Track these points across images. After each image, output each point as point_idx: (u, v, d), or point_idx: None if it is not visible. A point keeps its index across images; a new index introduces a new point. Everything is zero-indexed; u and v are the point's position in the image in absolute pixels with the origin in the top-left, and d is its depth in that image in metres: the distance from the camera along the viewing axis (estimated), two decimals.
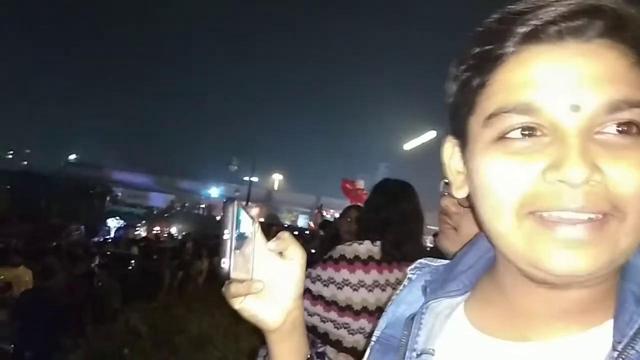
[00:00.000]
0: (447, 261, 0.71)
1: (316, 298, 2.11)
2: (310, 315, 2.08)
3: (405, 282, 0.73)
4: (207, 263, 11.50)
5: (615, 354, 0.46)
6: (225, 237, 0.62)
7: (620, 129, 0.47)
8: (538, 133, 0.48)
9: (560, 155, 0.46)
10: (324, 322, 2.09)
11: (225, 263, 0.62)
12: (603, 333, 0.49)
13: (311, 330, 2.10)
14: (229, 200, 0.66)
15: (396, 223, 2.16)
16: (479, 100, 0.53)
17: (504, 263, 0.55)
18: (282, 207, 51.29)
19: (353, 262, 2.12)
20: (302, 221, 46.85)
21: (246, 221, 0.68)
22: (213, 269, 11.93)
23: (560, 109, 0.47)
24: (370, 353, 0.70)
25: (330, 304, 2.10)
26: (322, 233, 6.70)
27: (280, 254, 0.73)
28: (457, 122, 0.57)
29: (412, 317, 0.65)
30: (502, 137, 0.49)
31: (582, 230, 0.45)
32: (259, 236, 0.71)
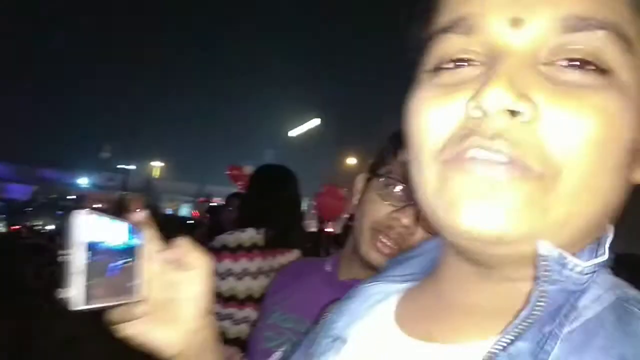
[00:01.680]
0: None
1: None
2: None
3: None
4: None
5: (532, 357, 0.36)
6: (66, 258, 0.49)
7: (573, 63, 0.36)
8: (474, 62, 0.40)
9: (485, 80, 0.36)
10: None
11: (65, 292, 0.48)
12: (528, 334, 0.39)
13: None
14: (79, 211, 0.54)
15: (281, 210, 2.17)
16: (426, 29, 0.45)
17: (444, 244, 0.48)
18: (164, 196, 49.02)
19: (236, 251, 2.10)
20: (184, 210, 45.33)
21: (117, 231, 0.55)
22: None
23: (498, 25, 0.38)
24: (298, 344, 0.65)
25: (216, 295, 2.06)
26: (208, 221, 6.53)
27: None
28: (412, 66, 0.48)
29: (336, 301, 0.60)
30: (437, 69, 0.42)
31: (496, 171, 0.35)
32: (152, 246, 0.60)
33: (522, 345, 0.36)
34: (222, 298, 2.08)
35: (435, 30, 0.41)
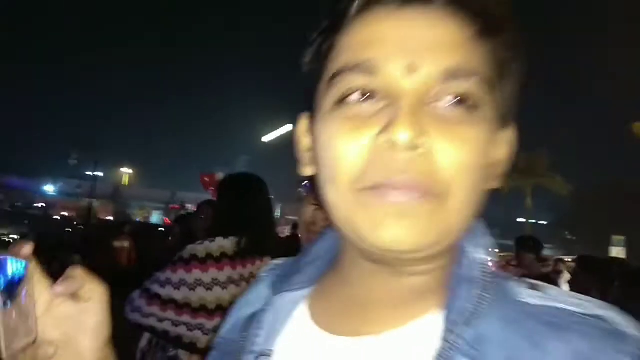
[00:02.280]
0: (293, 258, 0.67)
1: (166, 303, 2.01)
2: (161, 321, 1.99)
3: (252, 284, 0.69)
4: (44, 269, 10.26)
5: (444, 342, 0.45)
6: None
7: (454, 100, 0.46)
8: (376, 97, 0.47)
9: (391, 119, 0.44)
10: (176, 325, 2.00)
11: None
12: (433, 321, 0.49)
13: (162, 336, 2.02)
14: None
15: (255, 219, 2.15)
16: (327, 64, 0.51)
17: (346, 247, 0.55)
18: (133, 203, 48.08)
19: (205, 261, 2.06)
20: (155, 217, 44.55)
21: (14, 268, 0.51)
22: (51, 274, 10.74)
23: (396, 69, 0.46)
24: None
25: (182, 306, 2.02)
26: (178, 229, 6.42)
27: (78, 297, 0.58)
28: (309, 93, 0.55)
29: (251, 317, 0.60)
30: (342, 101, 0.48)
31: (407, 198, 0.44)
32: (39, 279, 0.55)
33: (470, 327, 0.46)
34: (192, 308, 2.04)
35: (341, 67, 0.48)
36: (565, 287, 4.77)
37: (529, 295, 0.48)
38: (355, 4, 0.49)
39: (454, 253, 0.52)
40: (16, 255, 0.52)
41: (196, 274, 2.04)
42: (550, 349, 0.43)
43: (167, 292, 2.02)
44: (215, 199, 3.51)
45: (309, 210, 1.37)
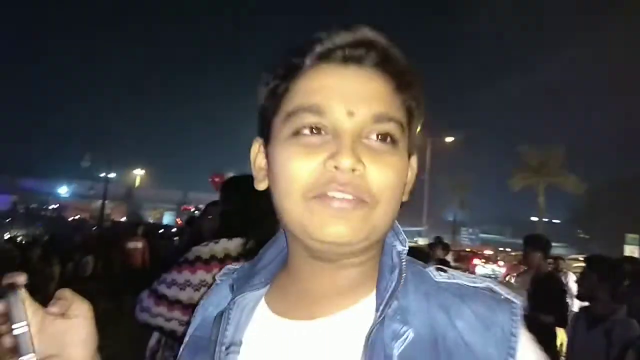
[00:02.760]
0: (249, 262, 0.79)
1: (173, 303, 2.04)
2: (168, 320, 2.02)
3: (213, 287, 0.80)
4: (58, 270, 10.41)
5: (377, 314, 0.60)
6: (16, 331, 0.57)
7: (380, 137, 0.62)
8: (323, 132, 0.62)
9: (337, 149, 0.59)
10: (183, 325, 2.02)
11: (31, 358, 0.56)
12: (370, 301, 0.63)
13: (170, 335, 2.04)
14: (3, 289, 0.59)
15: (260, 220, 2.16)
16: (282, 103, 0.65)
17: (296, 248, 0.67)
18: (146, 204, 48.45)
19: (209, 262, 2.07)
20: (167, 218, 44.81)
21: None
22: (66, 276, 10.88)
23: (340, 113, 0.61)
24: (179, 358, 0.75)
25: (187, 307, 2.03)
26: (188, 230, 6.46)
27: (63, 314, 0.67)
28: (263, 123, 0.69)
29: (220, 314, 0.70)
30: (297, 133, 0.62)
31: (346, 205, 0.59)
32: (30, 304, 0.63)
33: (394, 303, 0.61)
34: None
35: (296, 107, 0.62)
36: (574, 285, 4.71)
37: (439, 275, 0.65)
38: (309, 60, 0.63)
39: (381, 248, 0.68)
40: (10, 286, 0.61)
41: (200, 274, 2.06)
42: (457, 312, 0.59)
43: (173, 292, 2.05)
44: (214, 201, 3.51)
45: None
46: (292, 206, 0.61)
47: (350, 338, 0.61)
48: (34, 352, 0.58)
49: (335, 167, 0.59)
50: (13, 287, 0.60)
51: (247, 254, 2.11)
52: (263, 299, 0.71)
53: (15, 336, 0.58)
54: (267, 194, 0.68)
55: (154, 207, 49.14)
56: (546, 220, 36.38)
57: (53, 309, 0.65)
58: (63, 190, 46.41)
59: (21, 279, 0.63)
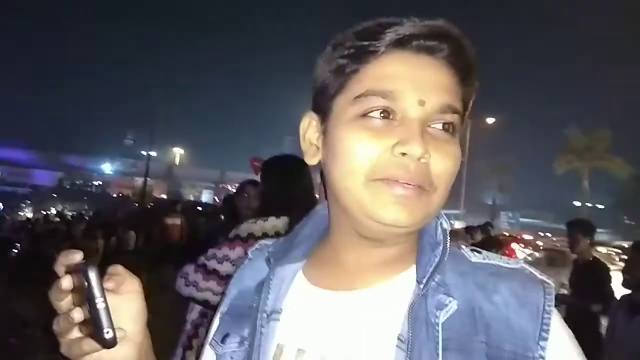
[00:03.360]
0: (284, 237, 0.82)
1: (223, 278, 2.07)
2: (216, 294, 2.06)
3: (246, 262, 0.83)
4: (102, 243, 10.85)
5: (421, 286, 0.63)
6: (99, 305, 0.57)
7: (444, 127, 0.64)
8: (391, 117, 0.63)
9: (407, 136, 0.61)
10: None
11: (109, 333, 0.57)
12: (409, 275, 0.66)
13: (216, 309, 2.09)
14: (84, 265, 0.59)
15: (302, 199, 2.18)
16: (350, 84, 0.65)
17: (341, 225, 0.70)
18: (185, 182, 49.66)
19: (262, 239, 2.11)
20: (206, 196, 45.81)
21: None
22: (109, 249, 11.33)
23: (411, 100, 0.62)
24: (219, 325, 0.78)
25: None
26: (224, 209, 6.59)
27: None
28: (322, 99, 0.69)
29: (261, 284, 0.74)
30: (364, 115, 0.63)
31: (410, 191, 0.61)
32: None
33: (437, 276, 0.64)
34: None
35: (367, 90, 0.63)
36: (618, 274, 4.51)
37: (474, 256, 0.68)
38: (383, 45, 0.64)
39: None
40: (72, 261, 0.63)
41: None
42: (493, 289, 0.62)
43: (225, 268, 2.09)
44: (249, 180, 3.55)
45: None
46: (354, 185, 0.63)
47: (390, 308, 0.65)
48: (112, 326, 0.59)
49: (403, 154, 0.60)
50: (89, 263, 0.61)
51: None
52: (301, 271, 0.75)
53: (94, 310, 0.58)
54: (306, 172, 0.68)
55: (192, 185, 50.32)
56: (590, 205, 35.16)
57: (108, 284, 0.65)
58: (106, 168, 48.09)
59: (78, 256, 0.64)
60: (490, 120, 29.80)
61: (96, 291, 0.57)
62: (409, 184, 0.61)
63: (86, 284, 0.58)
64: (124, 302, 0.66)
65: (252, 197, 3.00)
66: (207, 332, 0.82)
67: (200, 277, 2.10)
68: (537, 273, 0.65)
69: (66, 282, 0.61)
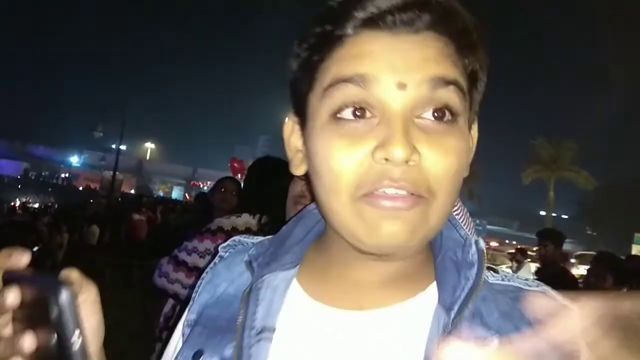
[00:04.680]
0: (263, 237, 0.70)
1: (191, 270, 2.10)
2: (185, 287, 2.08)
3: (216, 260, 0.71)
4: (67, 238, 10.58)
5: (452, 313, 0.52)
6: (75, 346, 0.43)
7: (436, 114, 0.52)
8: (368, 114, 0.52)
9: (386, 136, 0.50)
10: None
11: None
12: (427, 296, 0.57)
13: (185, 302, 2.09)
14: (57, 285, 0.44)
15: (279, 198, 2.20)
16: (318, 76, 0.55)
17: (337, 237, 0.59)
18: (155, 177, 48.84)
19: (230, 233, 2.13)
20: (176, 193, 45.18)
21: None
22: (74, 243, 11.05)
23: (388, 85, 0.51)
24: (188, 338, 0.64)
25: None
26: (197, 205, 6.54)
27: None
28: (297, 100, 0.60)
29: (247, 293, 0.61)
30: (336, 117, 0.53)
31: (401, 204, 0.51)
32: None
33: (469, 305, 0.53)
34: None
35: (336, 79, 0.53)
36: (530, 275, 4.62)
37: (492, 276, 0.58)
38: (349, 27, 0.53)
39: (434, 239, 0.60)
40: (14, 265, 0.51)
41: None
42: (516, 315, 0.53)
43: (193, 259, 2.12)
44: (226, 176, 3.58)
45: (298, 184, 1.47)
46: (338, 207, 0.54)
47: (408, 335, 0.55)
48: None
49: (386, 159, 0.50)
50: (64, 283, 0.46)
51: (264, 229, 2.16)
52: (295, 280, 0.63)
53: (63, 349, 0.44)
54: (288, 173, 0.62)
55: (163, 181, 49.54)
56: (554, 214, 36.20)
57: None
58: (74, 160, 46.88)
59: (24, 258, 0.51)
60: None
61: (70, 323, 0.43)
62: (398, 195, 0.51)
63: (55, 310, 0.44)
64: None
65: (228, 192, 3.00)
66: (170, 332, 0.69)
67: (171, 267, 2.14)
68: (559, 297, 0.55)
69: (11, 297, 0.47)
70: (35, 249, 9.55)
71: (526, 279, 0.59)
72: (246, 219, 2.18)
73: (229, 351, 0.58)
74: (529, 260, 7.08)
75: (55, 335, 0.44)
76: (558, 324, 0.46)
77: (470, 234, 0.61)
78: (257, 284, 0.61)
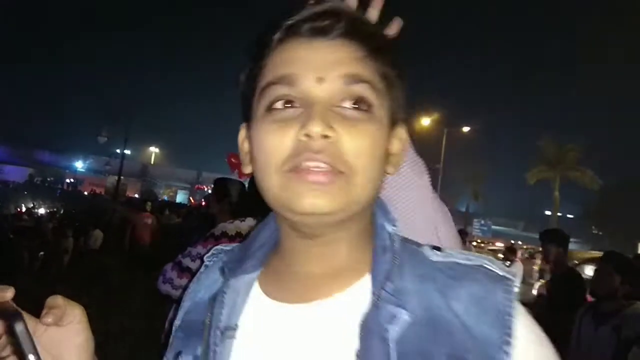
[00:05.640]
0: (238, 244, 0.78)
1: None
2: None
3: (202, 269, 0.79)
4: (72, 242, 10.60)
5: (374, 298, 0.60)
6: None
7: (354, 105, 0.61)
8: (295, 104, 0.61)
9: (307, 118, 0.58)
10: None
11: None
12: (364, 284, 0.63)
13: None
14: (12, 317, 0.53)
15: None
16: (257, 83, 0.65)
17: (282, 228, 0.68)
18: (160, 182, 48.88)
19: (234, 238, 2.12)
20: (181, 197, 45.17)
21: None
22: (80, 248, 11.06)
23: (309, 80, 0.60)
24: (172, 342, 0.74)
25: None
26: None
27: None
28: (245, 107, 0.68)
29: (213, 298, 0.70)
30: (270, 108, 0.62)
31: (321, 176, 0.58)
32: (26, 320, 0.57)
33: (389, 284, 0.60)
34: None
35: (268, 82, 0.63)
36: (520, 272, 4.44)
37: (435, 255, 0.64)
38: (277, 36, 0.64)
39: (373, 228, 0.68)
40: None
41: None
42: (453, 294, 0.59)
43: (197, 266, 2.08)
44: (239, 178, 3.52)
45: None
46: (269, 182, 0.61)
47: (346, 321, 0.61)
48: None
49: (307, 136, 0.58)
50: (16, 312, 0.54)
51: None
52: (256, 282, 0.70)
53: None
54: None
55: (168, 185, 49.57)
56: (560, 214, 35.99)
57: (47, 319, 0.60)
58: (79, 165, 47.00)
59: (8, 294, 0.58)
60: (465, 129, 30.26)
61: (25, 350, 0.52)
62: (319, 168, 0.58)
63: (15, 339, 0.52)
64: (67, 334, 0.61)
65: (233, 198, 2.98)
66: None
67: (175, 274, 2.10)
68: (497, 269, 0.61)
69: None
70: (41, 254, 9.60)
71: (469, 255, 0.64)
72: (250, 223, 2.16)
73: (200, 349, 0.67)
74: (519, 258, 6.92)
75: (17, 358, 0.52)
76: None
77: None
78: (222, 288, 0.69)
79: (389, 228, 0.67)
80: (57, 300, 0.62)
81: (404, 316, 0.58)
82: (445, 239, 0.97)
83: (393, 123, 0.66)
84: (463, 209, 39.99)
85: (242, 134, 0.71)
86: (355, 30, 0.63)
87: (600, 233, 43.43)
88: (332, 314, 0.62)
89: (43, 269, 9.20)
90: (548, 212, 35.24)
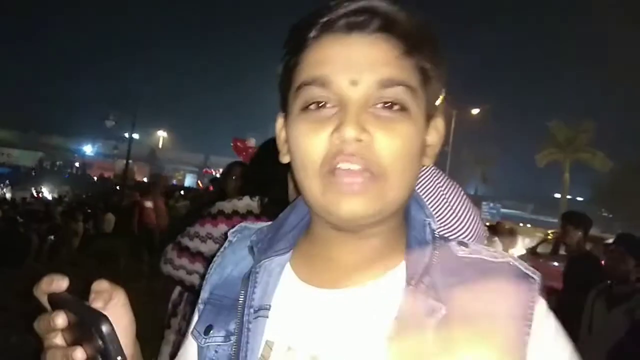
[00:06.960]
0: (265, 223, 0.80)
1: (194, 255, 2.08)
2: (189, 273, 2.06)
3: (226, 244, 0.81)
4: (82, 226, 10.71)
5: (410, 288, 0.61)
6: None
7: (387, 105, 0.61)
8: (328, 105, 0.62)
9: (341, 121, 0.59)
10: (203, 278, 2.05)
11: None
12: (399, 272, 0.64)
13: (190, 289, 2.08)
14: (98, 318, 0.54)
15: (281, 181, 2.16)
16: (293, 79, 0.66)
17: (317, 219, 0.68)
18: (168, 166, 49.14)
19: (231, 217, 2.09)
20: (189, 180, 45.45)
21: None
22: (89, 232, 11.18)
23: (343, 83, 0.61)
24: (201, 315, 0.76)
25: (208, 259, 2.06)
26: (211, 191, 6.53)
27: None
28: (282, 98, 0.70)
29: (246, 276, 0.71)
30: (305, 108, 0.63)
31: (357, 179, 0.59)
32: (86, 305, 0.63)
33: (427, 279, 0.62)
34: None
35: (302, 81, 0.63)
36: (499, 247, 4.43)
37: (461, 250, 0.65)
38: (313, 32, 0.64)
39: (406, 220, 0.69)
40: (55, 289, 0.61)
41: (222, 228, 2.07)
42: (482, 289, 0.60)
43: (195, 244, 2.09)
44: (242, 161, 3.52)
45: None
46: (309, 183, 0.63)
47: (381, 308, 0.62)
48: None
49: (341, 140, 0.59)
50: (102, 313, 0.56)
51: (264, 212, 2.12)
52: (288, 264, 0.72)
53: None
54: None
55: (176, 168, 49.83)
56: (570, 197, 35.79)
57: (97, 303, 0.63)
58: (88, 149, 47.36)
59: (64, 284, 0.61)
60: (474, 111, 29.98)
61: (112, 352, 0.53)
62: (352, 169, 0.59)
63: (98, 339, 0.53)
64: (112, 317, 0.62)
65: (238, 178, 2.98)
66: (185, 313, 0.79)
67: (175, 254, 2.11)
68: (522, 267, 0.63)
69: (60, 320, 0.58)
70: (50, 237, 9.71)
71: (494, 252, 0.66)
72: (247, 202, 2.14)
73: (233, 326, 0.69)
74: (496, 238, 6.86)
75: (100, 358, 0.54)
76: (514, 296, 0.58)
77: (465, 208, 0.73)
78: (255, 268, 0.71)
79: (433, 225, 0.68)
80: (103, 284, 0.65)
81: (442, 310, 0.59)
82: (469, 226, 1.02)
83: (429, 116, 0.67)
84: (472, 192, 39.88)
85: (280, 122, 0.73)
86: (393, 26, 0.62)
87: (611, 215, 43.20)
88: (366, 301, 0.64)
89: (52, 252, 9.30)
90: (557, 195, 35.05)
